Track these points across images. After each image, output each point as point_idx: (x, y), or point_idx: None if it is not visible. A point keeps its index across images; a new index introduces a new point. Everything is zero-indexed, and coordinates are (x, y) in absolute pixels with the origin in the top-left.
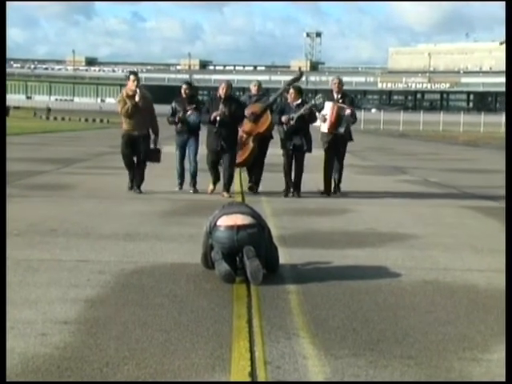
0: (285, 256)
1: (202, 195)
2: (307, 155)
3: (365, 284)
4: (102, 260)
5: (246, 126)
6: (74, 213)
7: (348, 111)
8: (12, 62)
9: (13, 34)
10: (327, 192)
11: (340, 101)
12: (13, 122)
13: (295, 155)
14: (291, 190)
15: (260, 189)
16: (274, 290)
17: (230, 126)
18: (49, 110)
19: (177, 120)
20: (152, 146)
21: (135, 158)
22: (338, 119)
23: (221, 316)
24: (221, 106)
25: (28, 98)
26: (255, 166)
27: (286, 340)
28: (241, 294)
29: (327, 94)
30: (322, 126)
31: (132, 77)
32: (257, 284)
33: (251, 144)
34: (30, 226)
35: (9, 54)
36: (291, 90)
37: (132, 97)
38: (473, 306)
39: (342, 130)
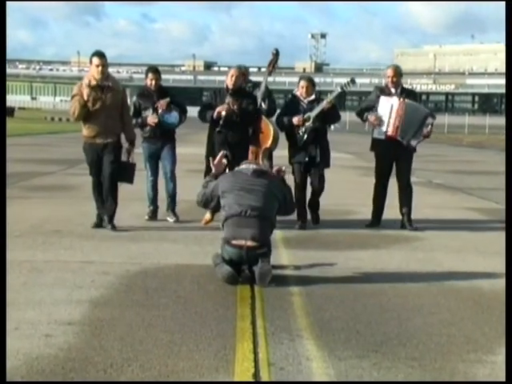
0: (288, 257)
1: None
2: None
3: (368, 286)
4: (107, 261)
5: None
6: (78, 214)
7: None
8: (17, 63)
9: (20, 35)
10: (375, 222)
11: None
12: (18, 122)
13: (310, 171)
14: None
15: None
16: (278, 291)
17: (239, 128)
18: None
19: (146, 121)
20: (123, 158)
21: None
22: (405, 122)
23: (225, 317)
24: (228, 99)
25: (33, 98)
26: None
27: (290, 341)
28: (245, 295)
29: (380, 91)
30: (375, 130)
31: (96, 59)
32: (262, 286)
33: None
34: (32, 228)
35: (15, 55)
36: (302, 82)
37: (95, 89)
38: (477, 308)
39: (415, 142)
